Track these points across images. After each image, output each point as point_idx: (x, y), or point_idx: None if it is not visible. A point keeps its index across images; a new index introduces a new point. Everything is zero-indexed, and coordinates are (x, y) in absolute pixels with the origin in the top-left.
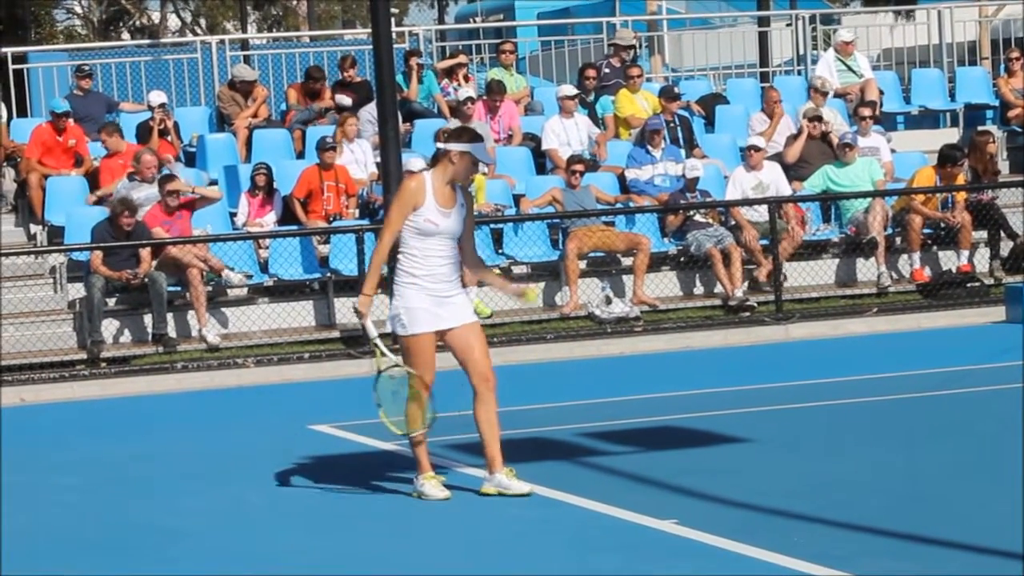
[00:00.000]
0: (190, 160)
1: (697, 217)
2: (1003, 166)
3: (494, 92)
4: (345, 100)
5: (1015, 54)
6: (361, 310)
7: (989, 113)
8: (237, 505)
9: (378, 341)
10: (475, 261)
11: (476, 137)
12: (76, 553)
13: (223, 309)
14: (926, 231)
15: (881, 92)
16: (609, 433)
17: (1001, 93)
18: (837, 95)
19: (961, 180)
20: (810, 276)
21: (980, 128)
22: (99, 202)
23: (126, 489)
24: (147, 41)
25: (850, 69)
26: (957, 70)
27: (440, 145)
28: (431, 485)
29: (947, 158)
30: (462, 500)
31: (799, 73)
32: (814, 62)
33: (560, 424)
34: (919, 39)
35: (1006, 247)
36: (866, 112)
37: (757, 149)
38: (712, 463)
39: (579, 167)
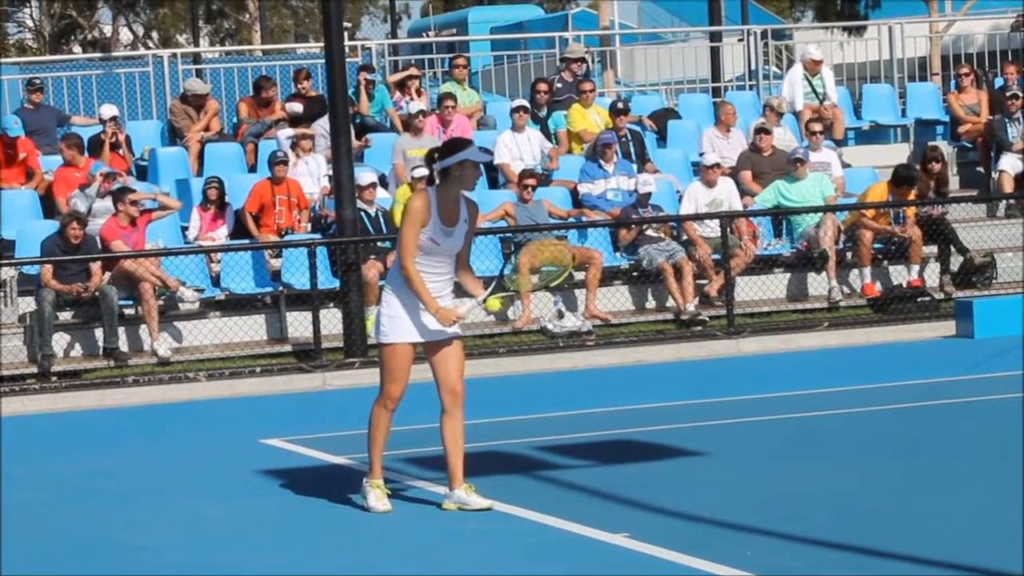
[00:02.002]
0: (142, 174)
1: (649, 232)
2: (953, 181)
3: (445, 102)
4: (296, 107)
5: (965, 70)
6: (452, 317)
7: (939, 128)
8: (193, 520)
9: (484, 297)
10: (464, 265)
11: (466, 143)
12: (34, 569)
13: (175, 323)
14: (877, 246)
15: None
16: (561, 447)
17: (951, 109)
18: (810, 116)
19: (911, 196)
20: (761, 290)
21: (930, 144)
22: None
23: (80, 504)
24: (99, 55)
25: (814, 90)
26: (908, 86)
27: (437, 165)
28: (375, 496)
29: (903, 179)
30: (414, 513)
31: (751, 88)
32: (765, 77)
33: (512, 438)
34: (870, 55)
35: (956, 262)
36: (817, 128)
37: (718, 166)
38: (664, 477)
39: (531, 181)
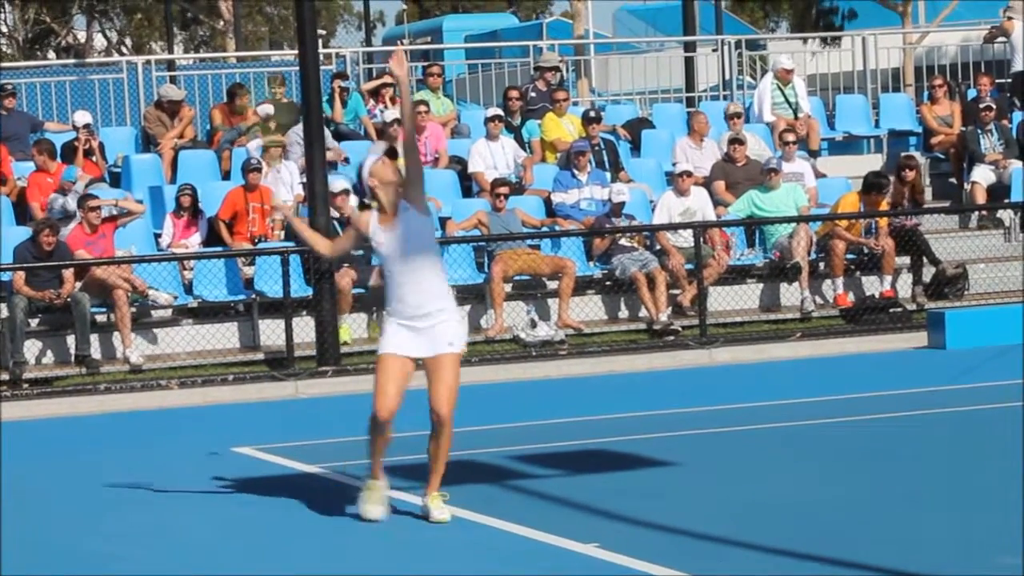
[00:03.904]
0: (115, 180)
1: (622, 241)
2: (926, 192)
3: (418, 108)
4: (267, 109)
5: (938, 81)
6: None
7: (912, 139)
8: (165, 528)
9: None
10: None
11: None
12: None
13: (148, 330)
14: (849, 256)
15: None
16: (533, 456)
17: (924, 120)
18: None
19: (884, 205)
20: (734, 301)
21: (904, 155)
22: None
23: (51, 512)
24: (73, 61)
25: (787, 100)
26: (881, 97)
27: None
28: (361, 499)
29: (872, 186)
30: (387, 522)
31: (725, 98)
32: (739, 87)
33: (485, 447)
34: (844, 65)
35: (928, 273)
36: (790, 138)
37: (689, 174)
38: (636, 487)
39: (503, 190)
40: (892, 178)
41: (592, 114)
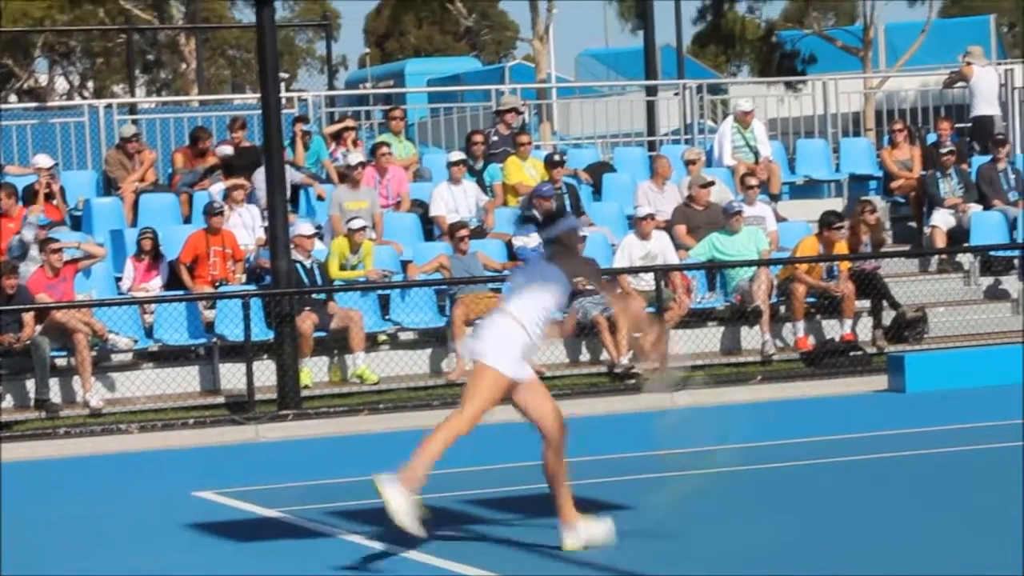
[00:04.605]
0: (76, 224)
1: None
2: (886, 236)
3: (380, 150)
4: (226, 150)
5: (898, 126)
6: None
7: (873, 183)
8: (124, 574)
9: None
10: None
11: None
12: None
13: (108, 374)
14: (810, 300)
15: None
16: (491, 500)
17: (885, 164)
18: (744, 170)
19: (843, 246)
20: (695, 344)
21: (862, 198)
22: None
23: (9, 557)
24: (34, 104)
25: (747, 144)
26: (842, 141)
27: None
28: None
29: (824, 223)
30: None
31: (687, 142)
32: (701, 131)
33: (443, 491)
34: (804, 110)
35: (888, 316)
36: (753, 182)
37: (652, 217)
38: None
39: (463, 232)
40: (848, 221)
41: (556, 158)
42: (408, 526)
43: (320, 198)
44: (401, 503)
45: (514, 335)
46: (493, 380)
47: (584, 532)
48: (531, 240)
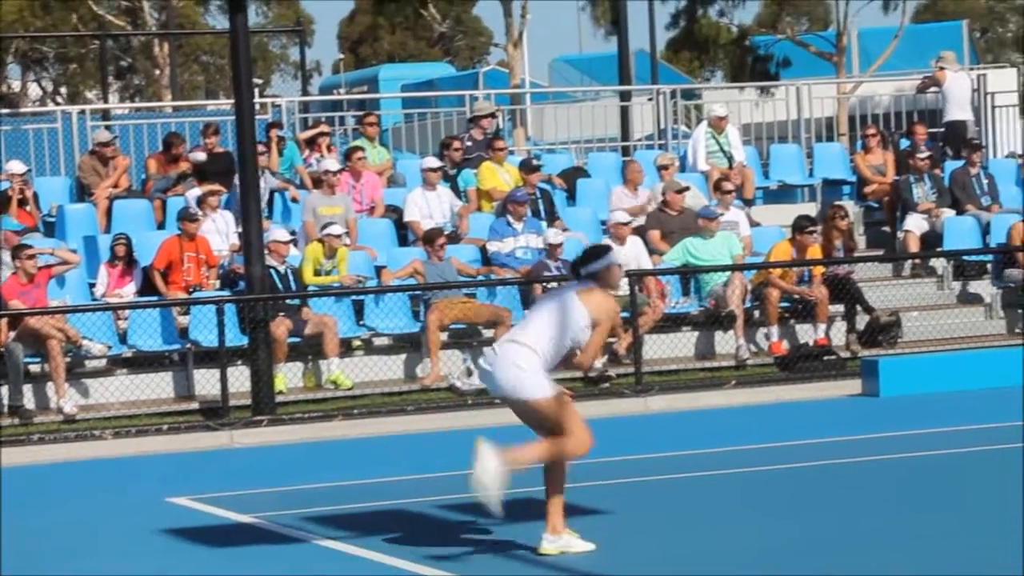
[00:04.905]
0: (49, 230)
1: None
2: (860, 241)
3: (355, 155)
4: (199, 156)
5: (872, 131)
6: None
7: (846, 188)
8: None
9: None
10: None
11: (608, 249)
12: None
13: (82, 380)
14: (783, 304)
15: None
16: (468, 505)
17: (858, 169)
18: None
19: (816, 250)
20: (669, 349)
21: (835, 203)
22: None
23: None
24: (7, 110)
25: (721, 149)
26: (815, 146)
27: (584, 270)
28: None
29: (797, 227)
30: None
31: (660, 147)
32: (675, 136)
33: (420, 496)
34: (778, 115)
35: (862, 321)
36: (728, 187)
37: (625, 224)
38: None
39: (441, 240)
40: (820, 227)
41: (532, 163)
42: (489, 488)
43: (295, 200)
44: (492, 465)
45: (532, 361)
46: (548, 405)
47: (565, 542)
48: (506, 245)
